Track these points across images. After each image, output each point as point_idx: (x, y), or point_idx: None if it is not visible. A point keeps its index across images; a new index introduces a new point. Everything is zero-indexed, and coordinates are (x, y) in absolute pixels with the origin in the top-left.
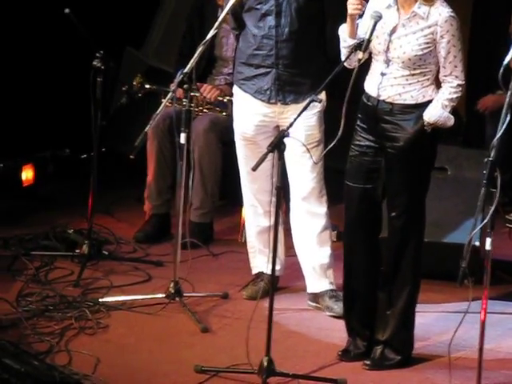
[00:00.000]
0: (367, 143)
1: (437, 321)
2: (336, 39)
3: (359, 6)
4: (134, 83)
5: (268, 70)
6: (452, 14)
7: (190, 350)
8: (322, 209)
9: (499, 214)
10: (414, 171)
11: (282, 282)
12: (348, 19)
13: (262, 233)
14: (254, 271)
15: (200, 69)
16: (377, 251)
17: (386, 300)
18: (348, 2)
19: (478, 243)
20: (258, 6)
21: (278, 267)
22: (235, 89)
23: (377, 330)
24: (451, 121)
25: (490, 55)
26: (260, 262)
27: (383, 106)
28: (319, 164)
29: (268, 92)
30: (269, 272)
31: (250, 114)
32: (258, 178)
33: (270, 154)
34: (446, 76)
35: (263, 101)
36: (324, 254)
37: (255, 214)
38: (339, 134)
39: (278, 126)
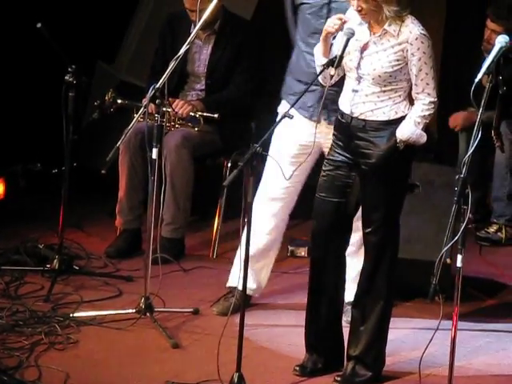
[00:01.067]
0: (341, 158)
1: (407, 337)
2: None
3: (336, 27)
4: (106, 98)
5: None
6: (423, 32)
7: (160, 366)
8: None
9: (470, 231)
10: (388, 188)
11: (254, 298)
12: (322, 38)
13: (255, 250)
14: (228, 284)
15: (172, 84)
16: (343, 266)
17: (360, 315)
18: (329, 20)
19: (448, 260)
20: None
21: (254, 286)
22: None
23: (349, 345)
24: (424, 138)
25: (462, 72)
26: (237, 276)
27: (356, 123)
28: None
29: (311, 109)
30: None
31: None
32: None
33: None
34: (418, 93)
35: (306, 117)
36: None
37: (257, 233)
38: (311, 150)
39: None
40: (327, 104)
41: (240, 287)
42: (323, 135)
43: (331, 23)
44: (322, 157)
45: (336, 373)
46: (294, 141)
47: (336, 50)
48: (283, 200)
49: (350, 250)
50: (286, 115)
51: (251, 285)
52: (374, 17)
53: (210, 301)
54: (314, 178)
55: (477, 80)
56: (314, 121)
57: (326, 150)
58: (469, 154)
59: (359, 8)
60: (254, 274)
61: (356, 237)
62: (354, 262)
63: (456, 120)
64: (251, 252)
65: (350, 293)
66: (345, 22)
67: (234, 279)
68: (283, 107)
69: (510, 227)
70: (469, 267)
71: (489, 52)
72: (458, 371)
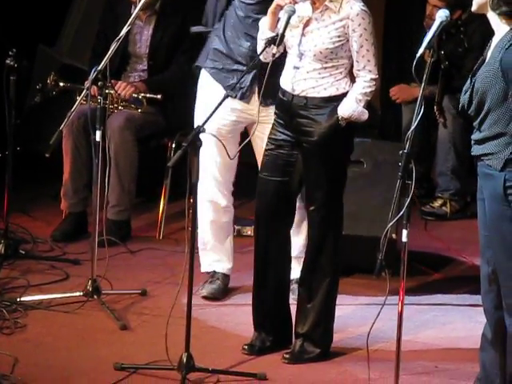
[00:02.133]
0: (283, 137)
1: (355, 313)
2: None
3: (287, 0)
4: (48, 81)
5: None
6: (364, 8)
7: (108, 348)
8: None
9: (415, 206)
10: (330, 165)
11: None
12: (269, 11)
13: (219, 229)
14: (205, 269)
15: (114, 66)
16: (287, 244)
17: (306, 293)
18: None
19: (394, 235)
20: None
21: (230, 265)
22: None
23: (296, 323)
24: (365, 115)
25: (404, 48)
26: (211, 259)
27: (298, 101)
28: None
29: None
30: (221, 271)
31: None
32: (229, 170)
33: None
34: (359, 70)
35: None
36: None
37: (215, 210)
38: (254, 128)
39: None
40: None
41: (218, 269)
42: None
43: None
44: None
45: (284, 350)
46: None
47: (279, 28)
48: (227, 174)
49: None
50: (229, 94)
51: (227, 264)
52: None
53: (157, 282)
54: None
55: (418, 55)
56: (244, 101)
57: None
58: (412, 128)
59: None
60: (227, 253)
61: (296, 215)
62: (295, 240)
63: (397, 92)
64: (216, 231)
65: (294, 271)
66: None
67: (209, 262)
68: (205, 78)
69: (454, 201)
70: (414, 242)
71: (431, 27)
72: (405, 345)
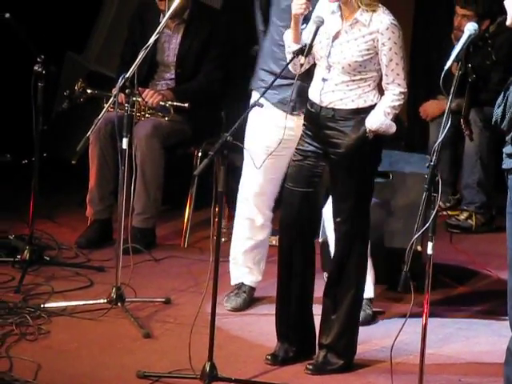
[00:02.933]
0: (311, 148)
1: (379, 325)
2: None
3: (304, 6)
4: (76, 88)
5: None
6: (394, 22)
7: (132, 356)
8: None
9: (441, 219)
10: (357, 178)
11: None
12: (292, 23)
13: (253, 246)
14: (234, 282)
15: (142, 74)
16: (312, 255)
17: (331, 304)
18: (293, 3)
19: (419, 248)
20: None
21: (259, 278)
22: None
23: (320, 334)
24: (393, 128)
25: (432, 60)
26: (241, 272)
27: (325, 113)
28: None
29: (292, 103)
30: (249, 283)
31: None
32: (275, 186)
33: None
34: (388, 83)
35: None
36: None
37: (251, 228)
38: (281, 139)
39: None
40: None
41: (247, 282)
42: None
43: (297, 5)
44: None
45: (308, 361)
46: (273, 136)
47: (306, 39)
48: (267, 192)
49: None
50: (257, 104)
51: (256, 277)
52: (346, 2)
53: (180, 290)
54: None
55: (446, 68)
56: (295, 114)
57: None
58: (439, 141)
59: None
60: (258, 266)
61: None
62: None
63: (426, 110)
64: (250, 248)
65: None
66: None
67: (238, 275)
68: (254, 99)
69: (480, 214)
70: (440, 255)
71: (459, 39)
72: (429, 358)
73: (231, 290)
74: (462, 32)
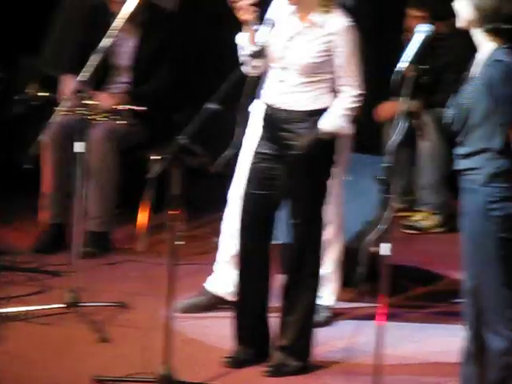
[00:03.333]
0: (267, 151)
1: (335, 327)
2: None
3: (250, 10)
4: (29, 92)
5: None
6: (349, 24)
7: (88, 360)
8: None
9: (397, 220)
10: (312, 179)
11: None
12: (244, 25)
13: (236, 263)
14: (207, 286)
15: (95, 77)
16: (268, 258)
17: (288, 306)
18: (238, 11)
19: (375, 249)
20: None
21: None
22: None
23: (277, 336)
24: (347, 130)
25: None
26: (216, 279)
27: (281, 114)
28: None
29: None
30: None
31: None
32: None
33: None
34: (342, 85)
35: None
36: None
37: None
38: (233, 141)
39: None
40: None
41: (217, 292)
42: None
43: (242, 11)
44: None
45: (265, 364)
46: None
47: (259, 41)
48: None
49: None
50: (212, 108)
51: (231, 288)
52: (302, 4)
53: (137, 294)
54: None
55: (400, 70)
56: None
57: None
58: (393, 143)
59: None
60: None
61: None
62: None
63: (381, 112)
64: (232, 265)
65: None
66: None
67: (213, 283)
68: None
69: (435, 215)
70: (395, 256)
71: (411, 40)
72: (385, 359)
73: (185, 290)
74: (413, 34)
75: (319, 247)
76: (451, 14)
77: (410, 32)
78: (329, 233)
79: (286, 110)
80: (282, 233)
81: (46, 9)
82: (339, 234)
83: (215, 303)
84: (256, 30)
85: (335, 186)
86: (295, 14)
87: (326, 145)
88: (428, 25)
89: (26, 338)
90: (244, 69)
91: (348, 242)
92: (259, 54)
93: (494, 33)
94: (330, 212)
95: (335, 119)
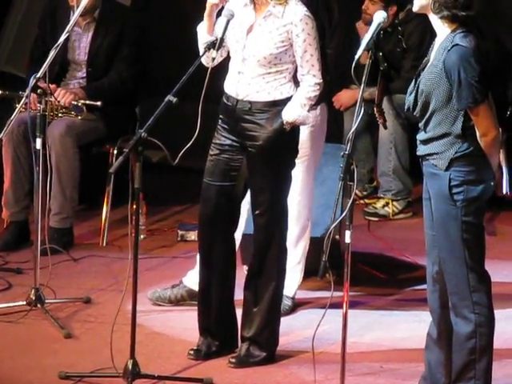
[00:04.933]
0: (228, 142)
1: (300, 316)
2: None
3: None
4: None
5: None
6: (307, 13)
7: (53, 357)
8: None
9: (358, 207)
10: (276, 169)
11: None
12: (206, 13)
13: None
14: (184, 279)
15: (53, 73)
16: (232, 249)
17: (252, 297)
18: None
19: (337, 237)
20: None
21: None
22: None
23: (242, 327)
24: (310, 119)
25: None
26: (192, 275)
27: (242, 105)
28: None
29: None
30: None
31: None
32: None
33: None
34: (303, 75)
35: None
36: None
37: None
38: (196, 133)
39: None
40: None
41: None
42: None
43: None
44: None
45: (231, 355)
46: None
47: (218, 33)
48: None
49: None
50: (170, 99)
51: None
52: None
53: (101, 289)
54: (203, 162)
55: (357, 57)
56: None
57: None
58: (352, 130)
59: None
60: None
61: (295, 229)
62: (292, 253)
63: (340, 100)
64: None
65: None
66: None
67: (189, 279)
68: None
69: (396, 201)
70: (358, 243)
71: (368, 23)
72: (350, 347)
73: (147, 283)
74: (369, 15)
75: (283, 238)
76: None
77: (366, 14)
78: (297, 225)
79: (247, 101)
80: (246, 224)
81: (2, 4)
82: (307, 227)
83: (191, 297)
84: (215, 21)
85: (305, 177)
86: (252, 4)
87: (289, 135)
88: (383, 11)
89: None
90: (203, 60)
91: (311, 230)
92: (214, 45)
93: (450, 19)
94: (300, 204)
95: (297, 109)
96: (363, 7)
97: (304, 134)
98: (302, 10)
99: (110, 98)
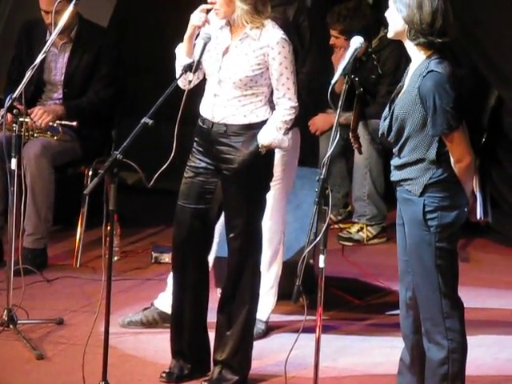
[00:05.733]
0: (203, 165)
1: (273, 340)
2: None
3: (203, 19)
4: None
5: None
6: (284, 37)
7: (25, 378)
8: None
9: (333, 232)
10: (250, 193)
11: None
12: (187, 35)
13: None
14: (155, 302)
15: (29, 93)
16: (205, 272)
17: (225, 321)
18: (193, 15)
19: (311, 261)
20: None
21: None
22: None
23: (215, 350)
24: (285, 143)
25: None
26: (164, 298)
27: (218, 128)
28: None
29: None
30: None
31: None
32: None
33: None
34: (279, 98)
35: None
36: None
37: None
38: (171, 156)
39: None
40: None
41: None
42: None
43: (196, 17)
44: None
45: (203, 378)
46: None
47: (195, 55)
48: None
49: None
50: (145, 121)
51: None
52: (228, 13)
53: (73, 310)
54: (177, 184)
55: (333, 82)
56: None
57: None
58: (328, 154)
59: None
60: None
61: (267, 253)
62: (266, 276)
63: (316, 124)
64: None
65: (260, 311)
66: (209, 11)
67: (161, 302)
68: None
69: (370, 226)
70: (332, 268)
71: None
72: (323, 371)
73: (119, 306)
74: (337, 49)
75: (257, 261)
76: (363, 31)
77: (334, 47)
78: (269, 249)
79: (222, 124)
80: (220, 247)
81: None
82: (279, 251)
83: (163, 320)
84: (194, 44)
85: (276, 202)
86: (228, 27)
87: (264, 158)
88: (360, 37)
89: None
90: (179, 83)
91: (285, 254)
92: (191, 67)
93: (426, 46)
94: (272, 229)
95: (273, 132)
96: (330, 43)
97: (276, 158)
98: (279, 33)
99: (88, 117)
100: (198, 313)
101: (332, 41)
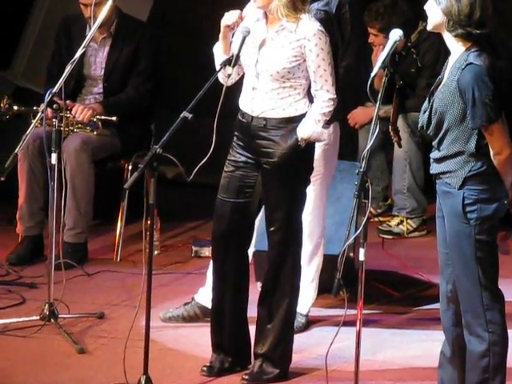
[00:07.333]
0: (243, 159)
1: (313, 333)
2: None
3: (234, 20)
4: (2, 105)
5: None
6: (320, 28)
7: (66, 372)
8: None
9: (373, 225)
10: (291, 186)
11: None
12: (221, 35)
13: None
14: (196, 297)
15: (69, 88)
16: (245, 265)
17: (266, 314)
18: (225, 15)
19: (352, 254)
20: None
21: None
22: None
23: (256, 343)
24: (325, 135)
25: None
26: (205, 292)
27: (257, 122)
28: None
29: None
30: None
31: None
32: None
33: None
34: (317, 90)
35: None
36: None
37: None
38: (211, 150)
39: None
40: None
41: (207, 304)
42: None
43: (228, 17)
44: None
45: (243, 371)
46: None
47: (234, 49)
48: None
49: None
50: (185, 116)
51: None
52: (266, 1)
53: (114, 304)
54: (217, 178)
55: (373, 75)
56: None
57: None
58: (368, 148)
59: None
60: None
61: (308, 247)
62: (306, 270)
63: (355, 118)
64: None
65: (300, 303)
66: (241, 15)
67: (201, 296)
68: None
69: (410, 219)
70: (372, 261)
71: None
72: (363, 365)
73: (160, 299)
74: (376, 47)
75: (297, 255)
76: (403, 25)
77: (373, 45)
78: (310, 243)
79: (262, 118)
80: (259, 240)
81: (18, 19)
82: (320, 245)
83: (204, 315)
84: (231, 40)
85: (317, 196)
86: (265, 19)
87: (304, 152)
88: (399, 30)
89: (3, 351)
90: (220, 78)
91: (325, 248)
92: (230, 61)
93: (465, 37)
94: (313, 223)
95: (312, 125)
96: (369, 41)
97: (317, 152)
98: (316, 25)
99: (127, 113)
100: (239, 306)
101: (371, 39)
